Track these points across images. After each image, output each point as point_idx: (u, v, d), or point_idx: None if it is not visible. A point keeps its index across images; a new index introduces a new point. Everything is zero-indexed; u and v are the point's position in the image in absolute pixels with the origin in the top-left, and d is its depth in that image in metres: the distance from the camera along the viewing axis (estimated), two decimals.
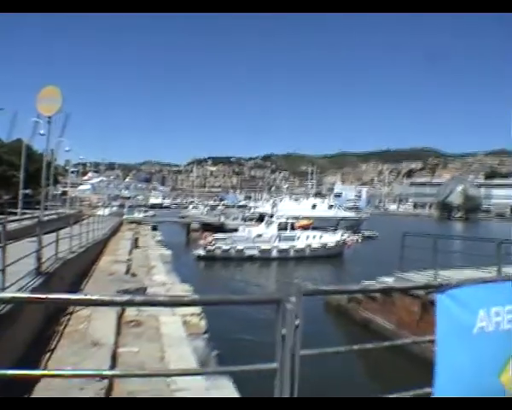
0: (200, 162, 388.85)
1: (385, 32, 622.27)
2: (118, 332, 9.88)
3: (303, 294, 2.57)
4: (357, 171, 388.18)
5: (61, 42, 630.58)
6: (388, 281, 16.17)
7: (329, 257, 39.28)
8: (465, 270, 14.85)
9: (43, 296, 2.36)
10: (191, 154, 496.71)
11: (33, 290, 8.63)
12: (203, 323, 12.52)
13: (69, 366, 7.52)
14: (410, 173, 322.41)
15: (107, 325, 9.78)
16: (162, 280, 17.48)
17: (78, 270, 14.79)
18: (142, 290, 14.00)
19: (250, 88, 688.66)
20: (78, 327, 9.81)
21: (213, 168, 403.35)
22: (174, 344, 9.57)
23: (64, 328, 9.69)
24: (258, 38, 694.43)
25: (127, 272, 17.65)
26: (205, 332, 12.17)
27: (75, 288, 12.94)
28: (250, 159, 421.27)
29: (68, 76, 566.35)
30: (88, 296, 2.50)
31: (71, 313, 10.69)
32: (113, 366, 7.93)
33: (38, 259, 9.96)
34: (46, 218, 19.82)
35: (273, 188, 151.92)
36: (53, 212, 29.50)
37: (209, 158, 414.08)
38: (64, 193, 76.87)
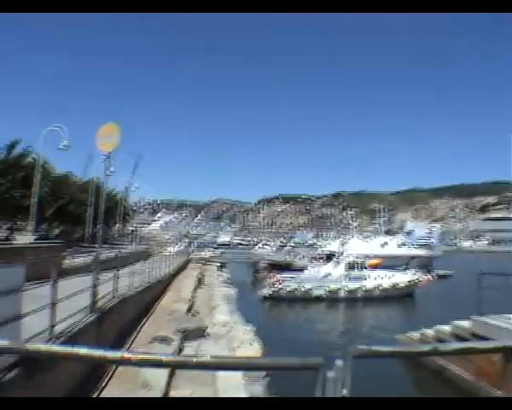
0: (269, 201, 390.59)
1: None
2: (172, 373, 9.48)
3: (353, 356, 2.01)
4: (429, 207, 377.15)
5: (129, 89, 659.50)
6: (464, 325, 14.90)
7: (400, 297, 37.63)
8: None
9: (74, 351, 1.91)
10: (261, 192, 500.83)
11: (82, 330, 8.40)
12: None
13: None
14: (484, 208, 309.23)
15: None
16: (224, 320, 17.07)
17: (138, 307, 14.60)
18: (202, 330, 13.61)
19: (319, 126, 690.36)
20: (130, 367, 9.47)
21: (283, 207, 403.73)
22: (229, 390, 9.04)
23: (116, 367, 9.37)
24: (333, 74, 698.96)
25: (189, 310, 17.38)
26: (265, 376, 11.51)
27: (133, 325, 12.72)
28: (319, 197, 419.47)
29: (140, 112, 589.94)
30: (130, 355, 2.04)
31: (127, 350, 10.44)
32: None
33: (94, 295, 9.77)
34: (106, 255, 19.90)
35: (342, 226, 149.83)
36: (117, 250, 29.82)
37: (279, 196, 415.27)
38: (135, 231, 78.89)
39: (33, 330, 6.91)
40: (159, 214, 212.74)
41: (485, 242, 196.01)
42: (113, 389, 8.20)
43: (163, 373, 8.99)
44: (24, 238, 24.25)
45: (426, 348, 2.19)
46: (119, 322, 11.54)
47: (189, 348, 11.91)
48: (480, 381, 13.07)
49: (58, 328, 7.70)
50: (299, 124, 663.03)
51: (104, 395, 8.09)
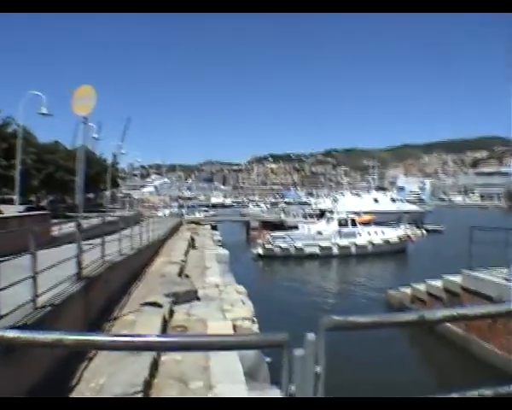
0: (260, 160, 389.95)
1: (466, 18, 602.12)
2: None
3: (326, 329, 1.78)
4: (420, 163, 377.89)
5: (117, 42, 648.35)
6: (455, 279, 14.86)
7: (392, 253, 37.82)
8: None
9: (51, 338, 1.66)
10: (251, 152, 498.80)
11: (67, 299, 8.19)
12: (256, 327, 11.79)
13: (103, 378, 7.07)
14: (475, 163, 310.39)
15: (151, 331, 9.22)
16: (215, 282, 16.88)
17: (127, 272, 14.40)
18: (193, 293, 13.44)
19: (308, 84, 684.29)
20: (121, 333, 9.33)
21: (274, 166, 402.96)
22: (220, 353, 8.89)
23: None
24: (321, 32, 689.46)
25: (180, 273, 17.15)
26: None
27: (122, 291, 12.56)
28: (311, 155, 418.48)
29: (129, 79, 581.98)
30: (109, 338, 1.81)
31: (115, 319, 10.29)
32: (152, 376, 7.41)
33: (78, 263, 9.55)
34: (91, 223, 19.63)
35: (334, 183, 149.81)
36: (109, 215, 29.41)
37: (269, 155, 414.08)
38: (127, 195, 78.49)
39: (16, 301, 6.74)
40: (150, 178, 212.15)
41: (477, 196, 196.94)
42: (103, 357, 8.02)
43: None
44: (11, 209, 23.86)
45: (410, 316, 1.95)
46: (107, 289, 11.35)
47: (181, 312, 11.76)
48: (471, 335, 13.10)
49: (43, 298, 7.50)
50: (289, 82, 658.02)
51: (96, 360, 7.91)
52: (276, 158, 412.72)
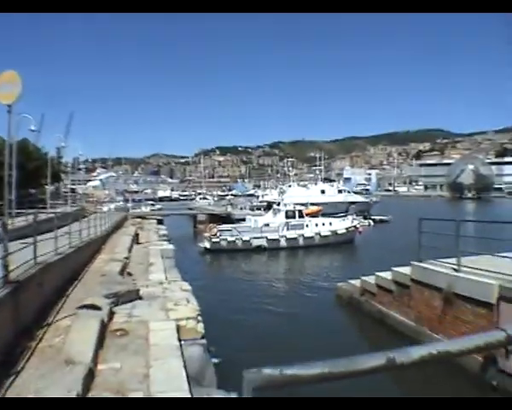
0: (207, 153, 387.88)
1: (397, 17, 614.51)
2: (100, 345, 8.74)
3: (253, 387, 1.33)
4: (366, 154, 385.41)
5: (63, 38, 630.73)
6: (404, 271, 14.76)
7: (340, 244, 37.97)
8: (487, 256, 13.41)
9: None
10: (199, 145, 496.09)
11: None
12: (201, 326, 11.28)
13: (31, 394, 6.45)
14: (418, 155, 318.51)
15: (87, 337, 8.61)
16: (159, 279, 16.28)
17: (65, 273, 13.65)
18: (134, 292, 12.83)
19: (254, 76, 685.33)
20: (54, 341, 8.70)
21: (221, 158, 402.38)
22: (162, 357, 8.38)
23: (38, 342, 8.58)
24: (263, 27, 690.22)
25: (122, 271, 16.47)
26: (202, 337, 10.91)
27: (58, 294, 11.82)
28: (258, 147, 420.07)
29: (72, 72, 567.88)
30: None
31: (49, 325, 9.62)
32: (86, 390, 6.81)
33: (5, 266, 8.81)
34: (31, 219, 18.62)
35: (281, 175, 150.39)
36: (45, 211, 28.15)
37: (216, 148, 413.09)
38: (71, 190, 76.21)
39: None
40: (96, 172, 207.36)
41: (420, 187, 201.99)
42: (33, 369, 7.39)
43: (89, 346, 8.24)
44: None
45: (376, 361, 1.52)
46: (40, 292, 10.61)
47: (122, 313, 11.16)
48: (421, 326, 13.05)
49: None
50: (235, 74, 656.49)
51: (23, 375, 7.27)
52: (223, 151, 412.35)
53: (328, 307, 18.83)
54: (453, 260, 12.69)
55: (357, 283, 18.12)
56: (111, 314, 10.83)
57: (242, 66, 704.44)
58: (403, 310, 14.27)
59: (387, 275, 15.85)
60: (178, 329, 10.31)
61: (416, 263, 14.09)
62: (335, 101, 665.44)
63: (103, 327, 9.59)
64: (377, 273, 16.61)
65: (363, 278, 17.67)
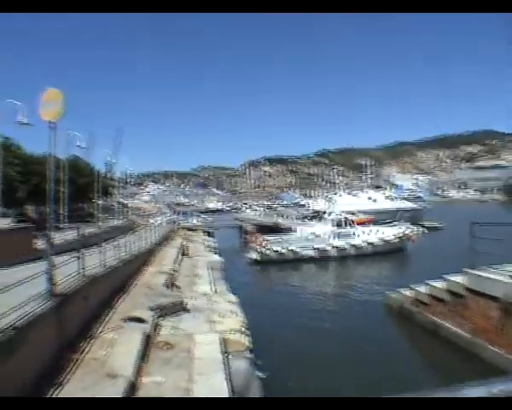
0: (255, 164, 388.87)
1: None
2: (144, 358, 8.64)
3: None
4: (415, 160, 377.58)
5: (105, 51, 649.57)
6: (458, 279, 14.08)
7: (391, 253, 37.10)
8: None
9: None
10: (246, 156, 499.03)
11: (37, 317, 7.49)
12: (247, 339, 11.05)
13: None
14: (469, 158, 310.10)
15: (131, 350, 8.54)
16: (206, 290, 16.23)
17: (112, 286, 13.69)
18: (180, 305, 12.76)
19: (300, 85, 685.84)
20: (98, 354, 8.64)
21: (269, 169, 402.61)
22: (205, 371, 8.20)
23: (83, 354, 8.55)
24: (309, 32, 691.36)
25: (168, 284, 16.47)
26: (249, 350, 10.67)
27: (104, 307, 11.82)
28: (305, 156, 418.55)
29: (119, 88, 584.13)
30: None
31: (94, 337, 9.59)
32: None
33: (50, 279, 8.83)
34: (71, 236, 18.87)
35: (329, 184, 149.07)
36: (92, 225, 28.67)
37: (264, 159, 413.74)
38: (121, 204, 77.82)
39: None
40: (146, 186, 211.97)
41: (473, 191, 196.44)
42: (76, 382, 7.34)
43: (133, 359, 8.14)
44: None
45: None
46: (86, 305, 10.63)
47: (167, 326, 11.07)
48: (477, 338, 12.40)
49: (3, 321, 6.80)
50: (281, 84, 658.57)
51: (66, 387, 7.22)
52: (271, 161, 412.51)
53: (377, 318, 18.27)
54: (510, 267, 12.02)
55: (408, 292, 17.49)
56: (156, 327, 10.76)
57: (287, 75, 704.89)
58: (457, 321, 13.60)
59: (440, 284, 15.18)
60: (224, 342, 10.12)
61: (470, 271, 13.40)
62: (381, 105, 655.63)
63: (148, 340, 9.52)
64: (429, 282, 15.95)
65: (415, 287, 17.03)
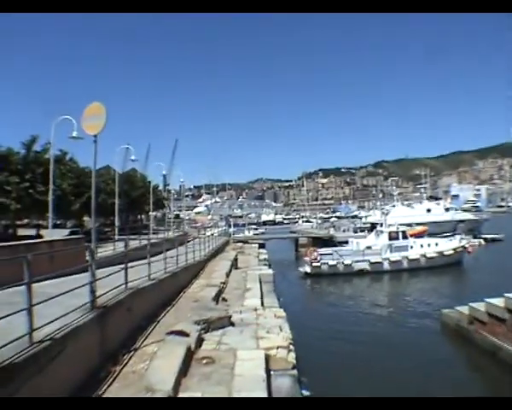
0: (310, 176, 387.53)
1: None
2: (184, 372, 8.48)
3: None
4: (475, 169, 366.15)
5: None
6: None
7: (447, 266, 35.85)
8: None
9: None
10: (302, 168, 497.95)
11: (78, 328, 7.52)
12: (292, 356, 10.72)
13: None
14: None
15: (171, 364, 8.40)
16: (254, 305, 15.94)
17: (158, 298, 13.70)
18: (226, 319, 12.56)
19: (357, 96, 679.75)
20: (138, 367, 8.56)
21: (324, 180, 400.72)
22: (245, 389, 7.94)
23: (122, 367, 8.49)
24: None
25: (216, 297, 16.34)
26: (294, 367, 10.34)
27: (149, 319, 11.79)
28: (361, 167, 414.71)
29: (178, 102, 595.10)
30: None
31: (135, 350, 9.53)
32: None
33: (93, 292, 8.87)
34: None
35: (385, 195, 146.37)
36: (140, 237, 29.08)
37: (319, 170, 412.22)
38: (177, 216, 79.03)
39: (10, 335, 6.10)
40: (201, 199, 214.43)
41: None
42: (113, 394, 7.27)
43: (172, 373, 8.01)
44: (55, 233, 23.90)
45: None
46: (129, 317, 10.64)
47: (211, 341, 10.91)
48: None
49: (45, 331, 6.84)
50: (336, 95, 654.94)
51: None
52: (326, 173, 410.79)
53: (432, 336, 17.57)
54: None
55: (465, 310, 16.69)
56: (200, 341, 10.61)
57: (344, 85, 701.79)
58: None
59: (500, 302, 14.32)
60: (268, 359, 9.85)
61: None
62: (438, 114, 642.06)
63: (190, 354, 9.36)
64: (488, 300, 15.11)
65: (472, 304, 16.22)
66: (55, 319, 7.36)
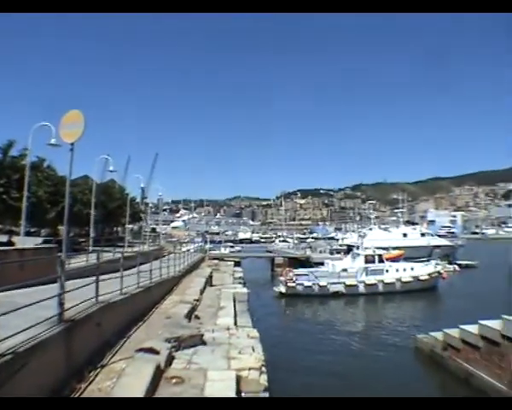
0: (289, 196, 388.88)
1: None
2: (152, 391, 8.21)
3: None
4: (451, 196, 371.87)
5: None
6: (494, 325, 13.17)
7: (422, 291, 36.00)
8: None
9: None
10: (280, 187, 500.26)
11: (43, 342, 7.23)
12: (264, 378, 10.48)
13: None
14: (508, 195, 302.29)
15: (139, 383, 8.10)
16: (227, 323, 15.70)
17: (129, 313, 13.37)
18: (198, 338, 12.30)
19: (336, 119, 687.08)
20: (104, 384, 8.26)
21: (302, 201, 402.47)
22: None
23: (88, 384, 8.17)
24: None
25: (189, 314, 16.07)
26: (265, 390, 10.11)
27: (118, 336, 11.46)
28: (339, 190, 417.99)
29: (158, 116, 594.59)
30: None
31: (103, 366, 9.21)
32: None
33: (61, 304, 8.59)
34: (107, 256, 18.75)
35: (363, 218, 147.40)
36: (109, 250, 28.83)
37: (298, 191, 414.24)
38: (153, 230, 78.38)
39: None
40: (179, 214, 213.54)
41: (511, 229, 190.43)
42: None
43: (138, 393, 7.74)
44: (28, 241, 23.43)
45: None
46: (99, 332, 10.32)
47: (182, 359, 10.63)
48: None
49: (6, 344, 6.54)
50: (317, 117, 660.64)
51: None
52: (305, 193, 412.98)
53: (406, 362, 17.48)
54: None
55: (439, 335, 16.66)
56: (170, 359, 10.34)
57: (324, 108, 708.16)
58: (492, 371, 12.72)
59: (474, 329, 14.31)
60: (239, 380, 9.61)
61: (507, 317, 12.54)
62: (417, 140, 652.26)
63: (159, 373, 9.08)
64: (462, 327, 15.10)
65: (446, 330, 16.20)
66: (20, 332, 7.10)
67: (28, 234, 27.57)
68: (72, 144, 9.24)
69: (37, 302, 8.06)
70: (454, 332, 15.61)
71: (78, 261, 20.38)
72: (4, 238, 25.61)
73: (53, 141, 20.01)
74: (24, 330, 7.20)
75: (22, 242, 21.88)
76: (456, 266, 54.29)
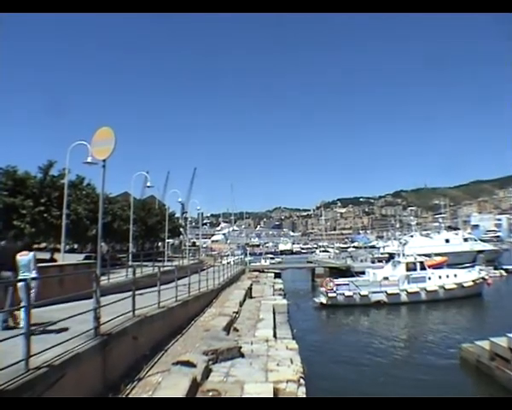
0: (329, 205, 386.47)
1: None
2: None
3: None
4: (494, 198, 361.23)
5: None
6: None
7: (467, 298, 35.08)
8: None
9: None
10: (320, 197, 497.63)
11: (78, 356, 7.33)
12: (302, 391, 10.32)
13: None
14: None
15: (175, 395, 8.11)
16: (266, 336, 15.59)
17: (167, 326, 13.46)
18: (236, 350, 12.25)
19: (373, 126, 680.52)
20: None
21: (343, 210, 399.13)
22: None
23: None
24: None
25: (228, 327, 16.04)
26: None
27: (156, 348, 11.53)
28: (380, 197, 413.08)
29: (194, 129, 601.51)
30: None
31: (139, 379, 9.26)
32: None
33: (96, 318, 8.70)
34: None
35: (405, 225, 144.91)
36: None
37: (338, 200, 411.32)
38: (193, 244, 79.15)
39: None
40: (219, 227, 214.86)
41: None
42: None
43: None
44: (69, 258, 24.01)
45: None
46: (135, 345, 10.40)
47: (219, 372, 10.60)
48: None
49: (43, 358, 6.69)
50: (355, 126, 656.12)
51: None
52: (345, 202, 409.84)
53: (451, 372, 16.92)
54: None
55: (485, 345, 16.07)
56: (207, 372, 10.31)
57: (362, 116, 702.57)
58: None
59: None
60: (276, 393, 9.50)
61: None
62: (457, 143, 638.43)
63: (195, 386, 9.06)
64: (510, 335, 14.56)
65: (494, 339, 15.62)
66: (57, 345, 7.23)
67: (72, 251, 28.24)
68: (104, 161, 9.40)
69: (71, 317, 8.25)
70: (501, 341, 15.04)
71: (118, 276, 20.71)
72: (47, 255, 26.29)
73: (89, 159, 20.39)
74: (61, 343, 7.34)
75: (63, 259, 22.39)
76: (502, 271, 52.81)
